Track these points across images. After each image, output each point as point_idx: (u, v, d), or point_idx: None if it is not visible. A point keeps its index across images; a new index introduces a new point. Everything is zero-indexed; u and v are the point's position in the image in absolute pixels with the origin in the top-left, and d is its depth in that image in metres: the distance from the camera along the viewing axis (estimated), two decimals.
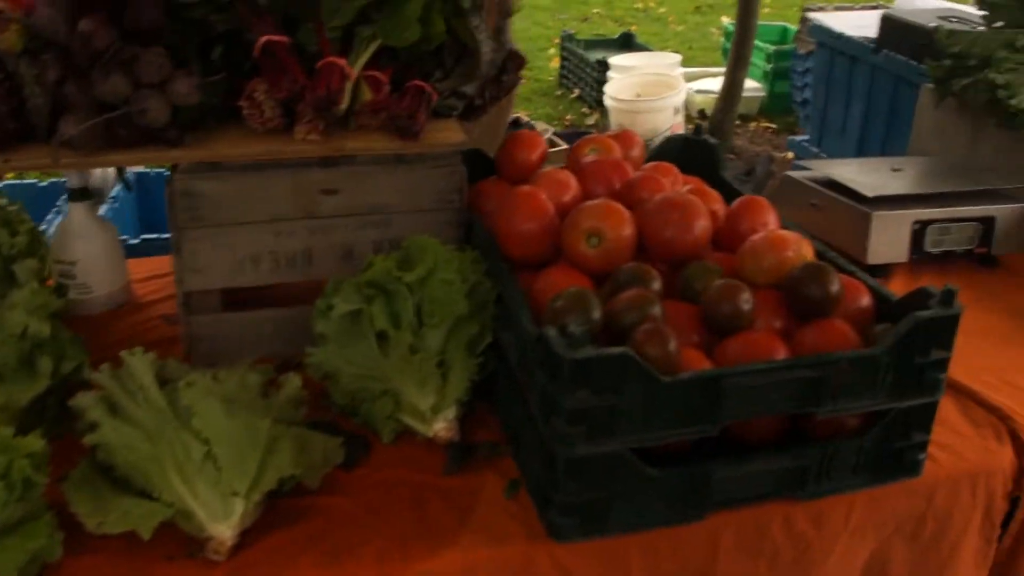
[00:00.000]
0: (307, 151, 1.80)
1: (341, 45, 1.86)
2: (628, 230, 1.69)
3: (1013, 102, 2.52)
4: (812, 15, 5.52)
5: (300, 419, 1.62)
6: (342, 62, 1.80)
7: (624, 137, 2.18)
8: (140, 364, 1.53)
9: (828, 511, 1.63)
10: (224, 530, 1.44)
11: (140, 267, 2.33)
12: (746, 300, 1.55)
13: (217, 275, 1.86)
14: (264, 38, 1.78)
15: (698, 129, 2.29)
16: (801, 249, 1.67)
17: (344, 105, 1.81)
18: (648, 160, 2.18)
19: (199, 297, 1.88)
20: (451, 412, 1.66)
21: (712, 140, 2.25)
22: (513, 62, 2.13)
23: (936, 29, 2.94)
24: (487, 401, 1.77)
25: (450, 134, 1.89)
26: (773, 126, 7.32)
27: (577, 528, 1.46)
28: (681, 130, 6.14)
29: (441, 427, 1.65)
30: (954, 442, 1.76)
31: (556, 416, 1.38)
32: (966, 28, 3.11)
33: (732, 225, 1.81)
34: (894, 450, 1.61)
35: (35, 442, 1.44)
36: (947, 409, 1.83)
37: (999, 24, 2.85)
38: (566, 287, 1.60)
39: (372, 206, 1.85)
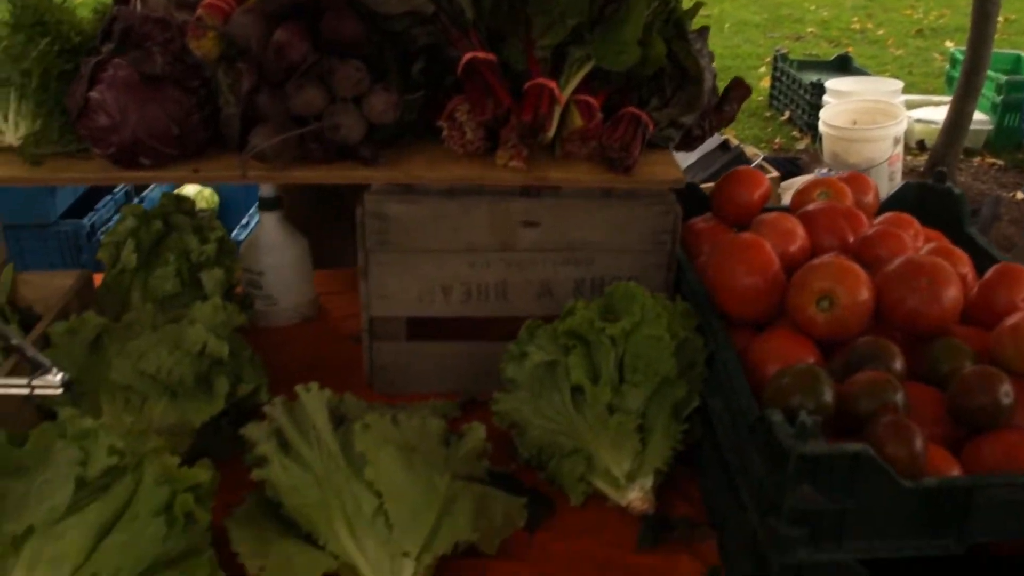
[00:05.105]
0: (509, 179, 1.66)
1: (551, 65, 1.72)
2: (865, 295, 1.48)
3: None
4: None
5: (481, 473, 1.48)
6: (552, 84, 1.66)
7: (856, 180, 1.97)
8: (314, 402, 1.43)
9: None
10: None
11: (329, 280, 2.25)
12: (1005, 393, 1.31)
13: (404, 303, 1.75)
14: (469, 55, 1.66)
15: (939, 175, 2.03)
16: None
17: (552, 132, 1.66)
18: (881, 208, 1.96)
19: (384, 324, 1.78)
20: (648, 481, 1.49)
21: (956, 189, 2.00)
22: (736, 91, 1.95)
23: None
24: (689, 470, 1.59)
25: (666, 169, 1.71)
26: (1000, 162, 6.80)
27: None
28: (899, 162, 5.77)
29: (636, 497, 1.48)
30: None
31: (774, 514, 1.19)
32: None
33: (985, 296, 1.57)
34: None
35: (201, 474, 1.36)
36: None
37: None
38: (790, 357, 1.41)
39: (574, 242, 1.70)
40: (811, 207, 1.80)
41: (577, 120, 1.67)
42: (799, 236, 1.69)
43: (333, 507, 1.33)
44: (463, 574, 1.41)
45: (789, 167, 5.32)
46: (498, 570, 1.42)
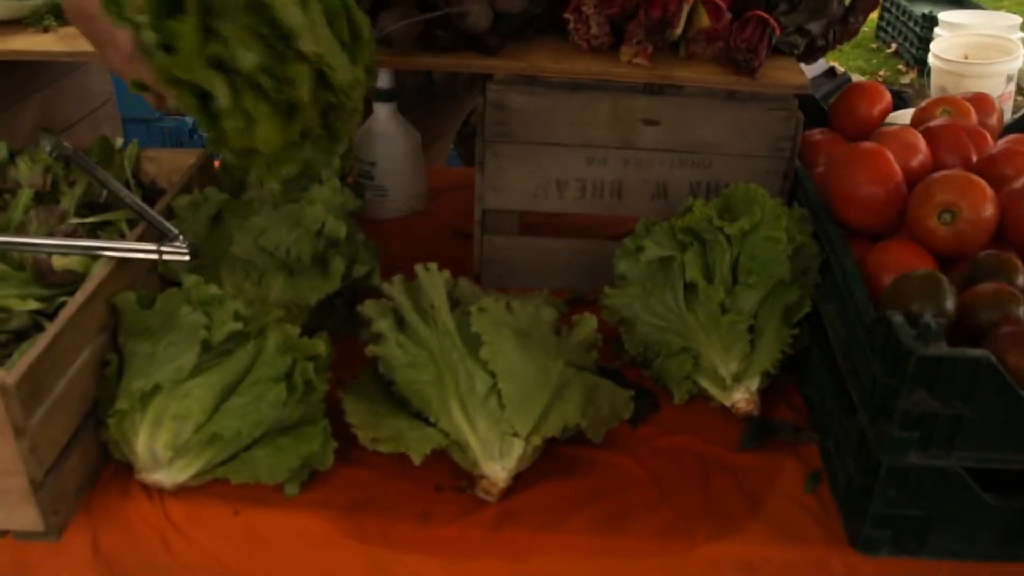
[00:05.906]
0: (633, 75, 1.65)
1: None
2: (989, 210, 1.45)
3: None
4: None
5: (591, 364, 1.50)
6: None
7: (980, 101, 1.92)
8: (434, 281, 1.45)
9: None
10: (499, 471, 1.35)
11: (439, 177, 2.27)
12: None
13: (519, 196, 1.76)
14: None
15: None
16: None
17: (679, 29, 1.65)
18: (1004, 132, 1.91)
19: (497, 217, 1.80)
20: (754, 383, 1.50)
21: None
22: (864, 2, 1.91)
23: None
24: (794, 377, 1.60)
25: (791, 74, 1.69)
26: None
27: (888, 544, 1.28)
28: (1011, 100, 5.59)
29: (741, 398, 1.49)
30: None
31: (886, 416, 1.19)
32: None
33: None
34: None
35: (320, 345, 1.40)
36: None
37: None
38: (910, 267, 1.39)
39: (694, 143, 1.69)
40: (933, 123, 1.76)
41: (704, 20, 1.65)
42: (921, 150, 1.66)
43: (447, 385, 1.37)
44: (568, 460, 1.44)
45: (894, 100, 5.19)
46: (603, 459, 1.45)
